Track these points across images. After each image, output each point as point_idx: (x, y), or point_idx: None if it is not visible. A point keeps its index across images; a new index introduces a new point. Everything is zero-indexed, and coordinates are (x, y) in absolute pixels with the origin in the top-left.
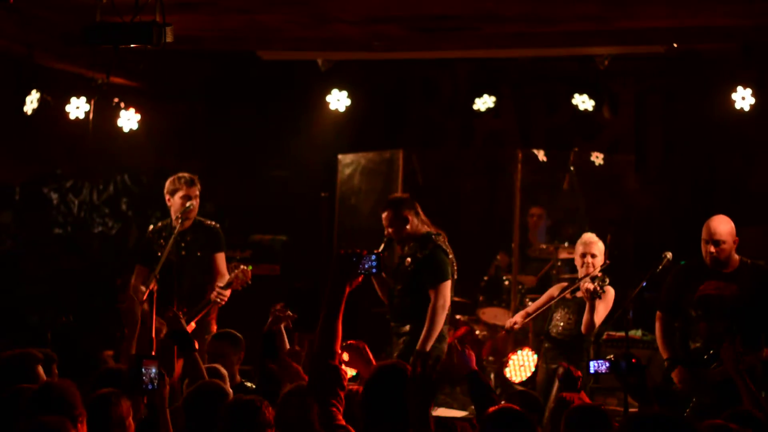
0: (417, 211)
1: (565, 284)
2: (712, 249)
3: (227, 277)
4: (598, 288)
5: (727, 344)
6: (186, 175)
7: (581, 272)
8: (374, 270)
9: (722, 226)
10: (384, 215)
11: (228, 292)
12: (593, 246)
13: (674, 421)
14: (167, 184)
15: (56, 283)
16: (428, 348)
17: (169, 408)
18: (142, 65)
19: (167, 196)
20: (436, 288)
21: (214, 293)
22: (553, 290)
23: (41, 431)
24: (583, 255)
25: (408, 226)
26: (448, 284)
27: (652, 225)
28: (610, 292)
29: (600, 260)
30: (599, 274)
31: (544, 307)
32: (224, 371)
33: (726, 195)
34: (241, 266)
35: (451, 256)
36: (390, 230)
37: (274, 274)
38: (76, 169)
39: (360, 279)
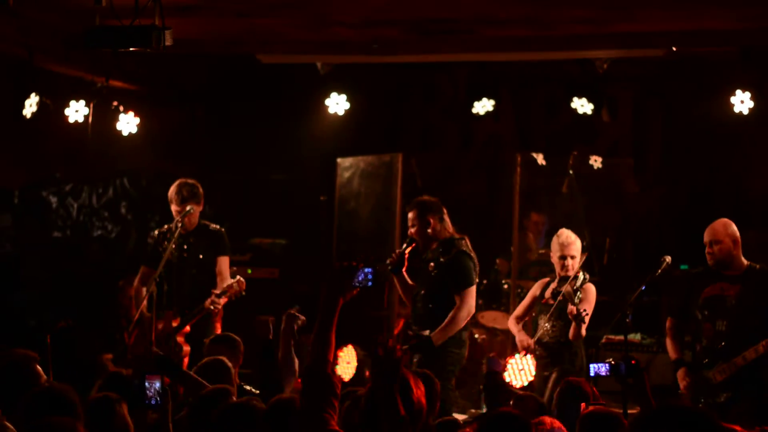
0: (442, 217)
1: (546, 280)
2: (710, 249)
3: (229, 281)
4: (579, 308)
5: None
6: (183, 190)
7: (559, 272)
8: (369, 283)
9: (720, 227)
10: (409, 215)
11: (222, 300)
12: (571, 247)
13: (694, 414)
14: (171, 191)
15: (55, 287)
16: (438, 343)
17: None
18: (142, 69)
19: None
20: (462, 293)
21: (209, 301)
22: (535, 289)
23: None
24: (563, 257)
25: (429, 230)
26: (473, 289)
27: (651, 228)
28: (591, 289)
29: (578, 261)
30: (579, 274)
31: (531, 311)
32: (229, 363)
33: (725, 199)
34: (238, 277)
35: (475, 260)
36: (412, 230)
37: (273, 277)
38: (75, 173)
39: (355, 292)
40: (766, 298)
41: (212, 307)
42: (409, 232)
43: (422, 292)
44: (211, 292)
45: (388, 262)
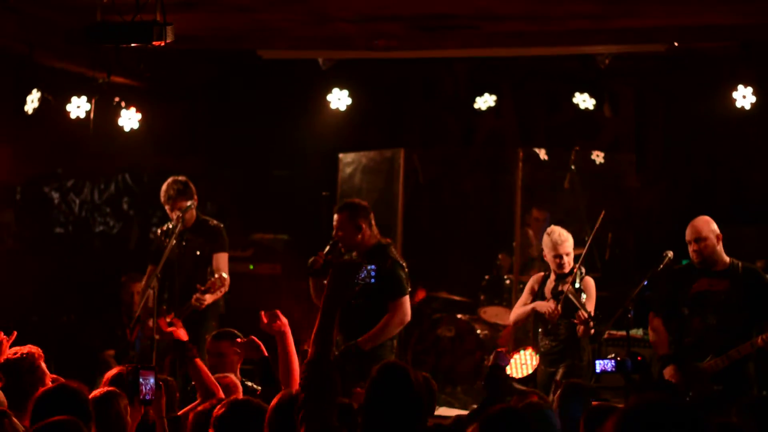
0: (371, 222)
1: (541, 274)
2: (696, 246)
3: (226, 277)
4: (588, 312)
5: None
6: (171, 190)
7: (555, 270)
8: (372, 280)
9: (703, 224)
10: (336, 218)
11: (207, 297)
12: (565, 245)
13: (678, 408)
14: (161, 191)
15: (57, 283)
16: (366, 348)
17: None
18: (143, 64)
19: None
20: (396, 302)
21: (194, 297)
22: (533, 284)
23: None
24: (557, 256)
25: (359, 236)
26: (407, 298)
27: (652, 224)
28: (591, 284)
29: (572, 256)
30: (576, 270)
31: (529, 308)
32: (236, 381)
33: (726, 194)
34: (220, 273)
35: (406, 269)
36: (340, 234)
37: (275, 273)
38: (77, 169)
39: (357, 289)
40: (754, 294)
41: (197, 305)
42: (334, 234)
43: (351, 301)
44: (197, 289)
45: (310, 263)
